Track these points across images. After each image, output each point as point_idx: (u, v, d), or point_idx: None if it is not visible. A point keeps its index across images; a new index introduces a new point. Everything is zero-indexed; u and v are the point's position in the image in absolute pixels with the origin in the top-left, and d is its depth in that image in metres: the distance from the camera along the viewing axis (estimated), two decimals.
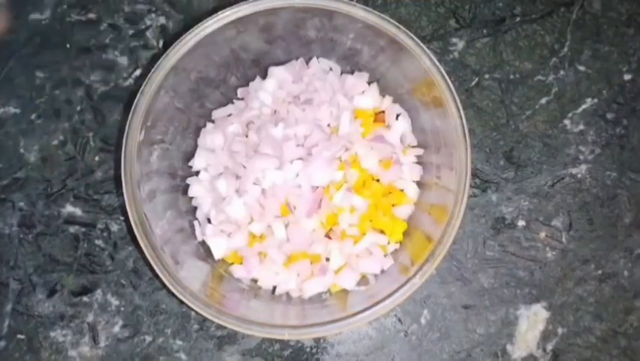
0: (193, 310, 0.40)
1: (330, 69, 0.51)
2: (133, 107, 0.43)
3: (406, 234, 0.48)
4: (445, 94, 0.42)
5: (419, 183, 0.49)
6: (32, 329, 0.51)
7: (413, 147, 0.49)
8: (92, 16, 0.57)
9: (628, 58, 0.56)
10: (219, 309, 0.40)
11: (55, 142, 0.55)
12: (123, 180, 0.42)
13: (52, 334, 0.51)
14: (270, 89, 0.49)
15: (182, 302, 0.49)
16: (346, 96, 0.49)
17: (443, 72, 0.42)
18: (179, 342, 0.51)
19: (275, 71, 0.50)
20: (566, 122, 0.55)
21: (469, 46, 0.56)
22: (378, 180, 0.48)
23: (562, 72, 0.55)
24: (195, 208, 0.49)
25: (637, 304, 0.51)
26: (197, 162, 0.49)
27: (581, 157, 0.54)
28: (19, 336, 0.51)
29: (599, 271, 0.52)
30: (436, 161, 0.47)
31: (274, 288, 0.47)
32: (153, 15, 0.57)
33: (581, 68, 0.55)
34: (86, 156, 0.54)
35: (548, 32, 0.56)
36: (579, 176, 0.54)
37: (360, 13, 0.44)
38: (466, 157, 0.41)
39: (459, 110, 0.42)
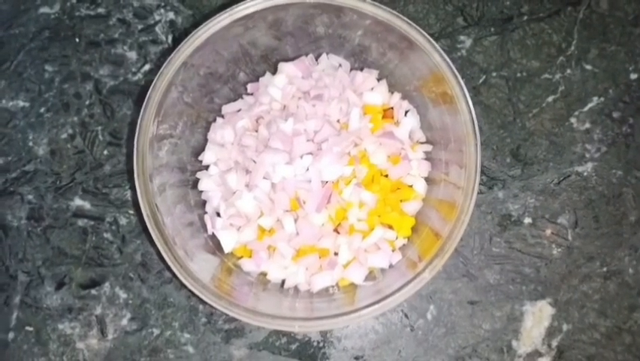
0: (203, 302, 0.41)
1: (340, 65, 0.51)
2: (145, 101, 0.43)
3: (414, 229, 0.48)
4: (455, 90, 0.42)
5: (427, 179, 0.49)
6: (40, 321, 0.52)
7: (422, 143, 0.50)
8: (101, 10, 0.57)
9: (634, 57, 0.56)
10: (230, 301, 0.40)
11: (64, 136, 0.55)
12: (135, 174, 0.42)
13: (60, 326, 0.52)
14: (280, 84, 0.49)
15: (190, 295, 0.49)
16: (356, 92, 0.49)
17: (453, 68, 0.43)
18: (186, 335, 0.51)
19: (285, 67, 0.51)
20: (573, 120, 0.55)
21: (476, 44, 0.56)
22: (386, 176, 0.48)
23: (569, 71, 0.56)
24: (204, 202, 0.50)
25: None
26: (207, 157, 0.49)
27: (587, 155, 0.54)
28: (28, 328, 0.52)
29: (604, 269, 0.52)
30: (445, 157, 0.47)
31: (283, 282, 0.47)
32: (162, 10, 0.57)
33: (588, 66, 0.56)
34: (95, 149, 0.55)
35: (555, 31, 0.56)
36: (585, 174, 0.54)
37: (370, 9, 0.44)
38: (476, 153, 0.42)
39: (469, 107, 0.42)
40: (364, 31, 0.47)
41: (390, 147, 0.48)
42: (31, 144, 0.55)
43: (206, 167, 0.50)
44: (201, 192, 0.49)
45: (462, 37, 0.56)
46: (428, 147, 0.49)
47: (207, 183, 0.48)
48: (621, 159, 0.54)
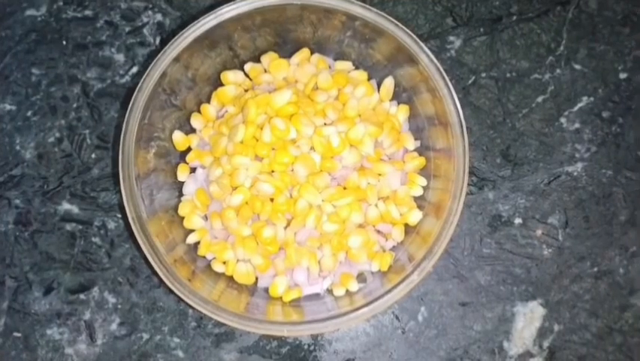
0: (191, 307, 0.40)
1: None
2: (130, 103, 0.43)
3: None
4: (443, 92, 0.42)
5: None
6: (29, 326, 0.51)
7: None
8: (88, 12, 0.57)
9: (623, 57, 0.56)
10: (217, 306, 0.40)
11: (52, 139, 0.54)
12: (121, 178, 0.42)
13: (48, 332, 0.51)
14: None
15: (179, 300, 0.49)
16: None
17: (441, 70, 0.43)
18: (176, 340, 0.51)
19: None
20: (562, 120, 0.55)
21: (466, 44, 0.56)
22: None
23: (558, 71, 0.56)
24: None
25: (632, 302, 0.52)
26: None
27: (577, 155, 0.54)
28: (16, 334, 0.51)
29: (595, 269, 0.52)
30: (433, 158, 0.47)
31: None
32: (150, 12, 0.57)
33: (577, 66, 0.56)
34: (83, 153, 0.54)
35: (545, 31, 0.56)
36: (575, 174, 0.54)
37: (358, 10, 0.44)
38: (464, 155, 0.41)
39: (457, 108, 0.42)
40: (353, 32, 0.47)
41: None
42: (18, 147, 0.54)
43: (193, 170, 0.49)
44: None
45: (451, 38, 0.56)
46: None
47: (193, 187, 0.48)
48: (611, 159, 0.54)
